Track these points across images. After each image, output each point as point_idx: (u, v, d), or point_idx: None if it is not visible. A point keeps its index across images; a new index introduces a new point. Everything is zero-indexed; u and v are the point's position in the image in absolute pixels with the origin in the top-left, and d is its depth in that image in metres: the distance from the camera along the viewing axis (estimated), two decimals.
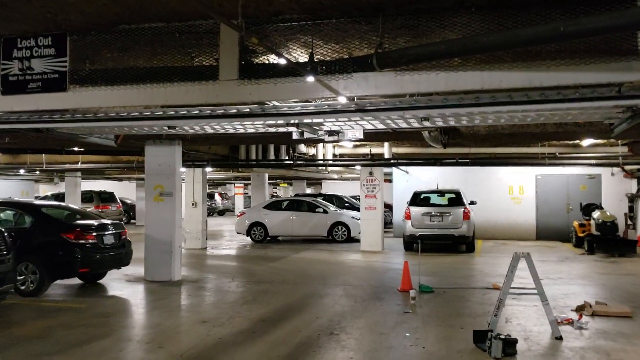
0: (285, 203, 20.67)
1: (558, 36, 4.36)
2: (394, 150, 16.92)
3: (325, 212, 19.43)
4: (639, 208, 17.93)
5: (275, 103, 6.87)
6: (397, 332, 7.23)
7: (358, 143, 16.04)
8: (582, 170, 18.87)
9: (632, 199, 18.41)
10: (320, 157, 17.27)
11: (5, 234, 8.35)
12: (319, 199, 21.54)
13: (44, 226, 9.98)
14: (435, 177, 19.50)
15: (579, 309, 8.19)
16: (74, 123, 7.47)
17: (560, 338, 6.80)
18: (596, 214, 15.98)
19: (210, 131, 8.99)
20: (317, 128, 8.49)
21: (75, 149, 14.04)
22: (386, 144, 16.17)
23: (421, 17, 5.28)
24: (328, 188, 36.34)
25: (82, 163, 18.34)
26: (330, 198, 24.13)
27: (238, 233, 20.28)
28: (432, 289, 9.85)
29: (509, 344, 6.17)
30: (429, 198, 17.20)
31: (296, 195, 28.29)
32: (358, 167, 17.81)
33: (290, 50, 5.73)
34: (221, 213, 38.96)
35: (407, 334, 7.10)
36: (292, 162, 16.50)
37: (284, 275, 12.08)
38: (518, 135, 11.29)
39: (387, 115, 6.81)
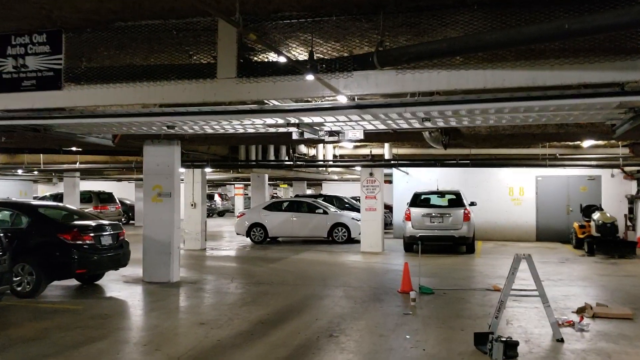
0: (285, 204, 20.61)
1: (563, 34, 4.29)
2: (395, 151, 16.88)
3: (325, 213, 19.37)
4: (638, 209, 17.88)
5: (274, 102, 6.80)
6: (397, 334, 7.16)
7: (358, 144, 16.01)
8: (582, 172, 18.83)
9: (631, 200, 18.37)
10: (320, 157, 17.22)
11: (1, 235, 8.27)
12: (319, 200, 21.48)
13: (41, 227, 9.89)
14: (436, 179, 19.45)
15: (580, 311, 8.15)
16: (71, 119, 7.39)
17: (561, 340, 6.75)
18: (596, 216, 15.95)
19: (210, 131, 8.92)
20: (318, 128, 8.43)
21: (73, 148, 13.96)
22: (386, 145, 16.12)
23: (422, 14, 5.22)
24: (328, 189, 36.28)
25: (81, 163, 18.27)
26: (330, 199, 24.08)
27: (238, 234, 20.20)
28: (432, 291, 9.79)
29: (510, 347, 6.10)
30: (429, 199, 17.15)
31: (296, 196, 28.24)
32: (358, 168, 17.75)
33: (290, 48, 5.66)
34: (221, 214, 38.88)
35: (408, 336, 7.04)
36: (292, 162, 16.44)
37: (283, 276, 12.01)
38: (519, 136, 11.25)
39: (386, 112, 6.74)
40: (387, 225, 21.65)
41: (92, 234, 9.87)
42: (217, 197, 38.69)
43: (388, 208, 22.17)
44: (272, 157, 16.49)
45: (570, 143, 15.04)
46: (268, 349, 6.49)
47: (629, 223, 18.21)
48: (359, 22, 5.34)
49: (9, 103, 6.31)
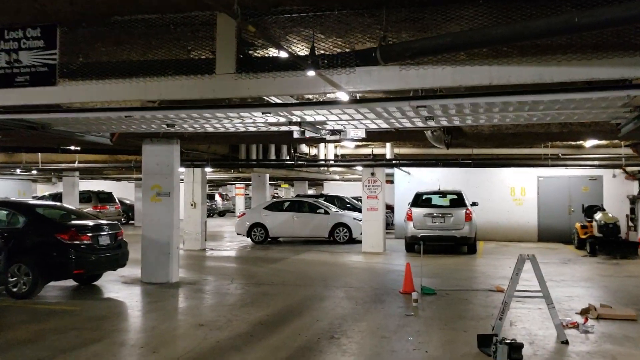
0: (286, 204, 20.50)
1: (571, 28, 4.17)
2: (396, 150, 16.78)
3: (326, 213, 19.26)
4: None
5: (274, 99, 6.68)
6: (400, 336, 7.05)
7: (360, 143, 15.89)
8: (584, 172, 18.77)
9: (633, 200, 18.29)
10: (321, 157, 17.09)
11: None
12: (320, 200, 21.39)
13: (38, 226, 9.77)
14: (437, 178, 19.35)
15: (584, 312, 8.09)
16: (68, 113, 7.26)
17: (566, 342, 6.67)
18: (598, 216, 15.90)
19: (210, 129, 8.79)
20: (320, 127, 8.31)
21: (72, 147, 13.83)
22: (388, 145, 16.02)
23: (426, 9, 5.10)
24: (330, 189, 36.20)
25: (80, 162, 18.13)
26: (331, 199, 23.99)
27: (238, 234, 20.10)
28: (434, 291, 9.69)
29: (515, 349, 5.97)
30: (430, 199, 17.07)
31: (297, 196, 28.12)
32: (360, 168, 17.67)
33: (291, 43, 5.54)
34: (221, 214, 38.79)
35: (410, 338, 6.93)
36: (293, 162, 16.32)
37: (284, 277, 11.90)
38: (522, 135, 11.13)
39: (384, 106, 6.62)
40: (389, 225, 21.57)
41: (89, 234, 9.76)
42: (217, 197, 38.61)
43: (389, 208, 22.10)
44: (273, 157, 16.37)
45: (573, 143, 14.97)
46: (268, 351, 6.38)
47: (630, 223, 18.12)
48: (361, 17, 5.22)
49: (1, 99, 6.18)
